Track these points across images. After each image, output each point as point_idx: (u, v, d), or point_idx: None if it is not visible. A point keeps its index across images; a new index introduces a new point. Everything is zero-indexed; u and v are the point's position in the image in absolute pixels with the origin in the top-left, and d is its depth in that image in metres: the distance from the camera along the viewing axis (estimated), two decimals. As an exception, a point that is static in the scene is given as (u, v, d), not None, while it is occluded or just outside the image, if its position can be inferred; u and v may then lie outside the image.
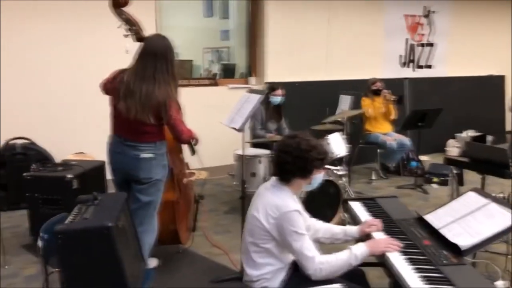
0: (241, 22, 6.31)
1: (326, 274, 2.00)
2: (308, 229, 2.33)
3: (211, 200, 4.98)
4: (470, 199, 2.28)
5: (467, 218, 2.15)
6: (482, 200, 2.21)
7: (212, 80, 5.91)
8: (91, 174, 3.86)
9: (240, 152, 4.47)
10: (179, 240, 3.37)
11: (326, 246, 2.46)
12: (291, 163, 2.09)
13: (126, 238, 2.10)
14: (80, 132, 4.96)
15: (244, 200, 3.31)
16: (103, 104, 3.02)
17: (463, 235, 2.03)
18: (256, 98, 2.92)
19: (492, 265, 3.21)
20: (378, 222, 2.28)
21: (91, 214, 1.96)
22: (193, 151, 3.29)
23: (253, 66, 6.16)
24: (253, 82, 6.03)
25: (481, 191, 2.36)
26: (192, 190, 3.70)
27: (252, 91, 3.25)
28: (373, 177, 5.76)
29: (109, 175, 3.11)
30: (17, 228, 4.15)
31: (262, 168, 4.36)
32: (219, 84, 5.89)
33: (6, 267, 3.39)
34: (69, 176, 3.57)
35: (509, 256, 3.35)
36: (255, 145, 4.79)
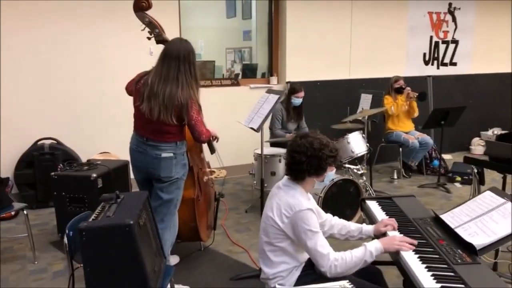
0: (263, 22, 6.35)
1: (341, 270, 2.03)
2: (323, 224, 2.38)
3: (232, 198, 5.05)
4: (487, 198, 2.27)
5: (483, 217, 2.14)
6: (499, 200, 2.20)
7: (234, 80, 5.97)
8: (115, 174, 3.97)
9: (259, 151, 4.54)
10: (200, 237, 3.45)
11: (340, 243, 2.49)
12: (305, 163, 2.13)
13: (147, 236, 2.17)
14: (105, 132, 5.10)
15: (263, 199, 3.36)
16: (128, 105, 3.12)
17: (479, 234, 2.03)
18: (274, 99, 2.97)
19: (514, 265, 3.17)
20: (393, 221, 2.30)
21: (114, 212, 2.04)
22: (212, 150, 3.37)
23: (275, 66, 6.19)
24: (274, 81, 6.06)
25: (498, 190, 2.34)
26: (212, 188, 3.77)
27: (270, 91, 3.29)
28: (395, 176, 5.73)
29: (132, 174, 3.21)
30: (46, 225, 4.31)
31: (281, 167, 4.39)
32: (241, 84, 5.95)
33: (36, 263, 3.54)
34: (94, 175, 3.69)
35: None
36: (274, 144, 4.84)
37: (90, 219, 2.01)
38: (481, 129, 7.21)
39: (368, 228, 2.36)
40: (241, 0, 6.62)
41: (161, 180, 2.95)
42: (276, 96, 2.97)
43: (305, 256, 2.21)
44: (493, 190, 2.34)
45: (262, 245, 2.23)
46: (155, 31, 2.94)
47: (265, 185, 4.10)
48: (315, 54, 6.13)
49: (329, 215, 2.45)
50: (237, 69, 6.70)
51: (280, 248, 2.16)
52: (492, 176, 4.89)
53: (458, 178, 5.49)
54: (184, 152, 3.01)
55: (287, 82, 5.93)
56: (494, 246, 1.97)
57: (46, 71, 4.81)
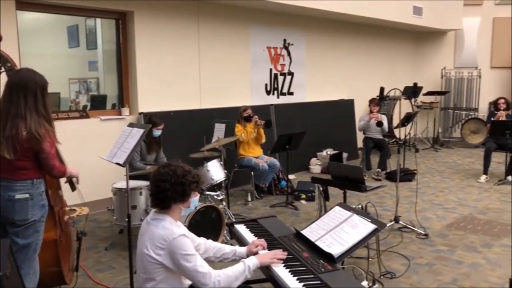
0: (110, 52, 6.24)
1: (225, 284, 2.15)
2: (198, 248, 2.48)
3: (88, 237, 4.77)
4: (337, 213, 2.65)
5: (336, 229, 2.49)
6: (347, 213, 2.59)
7: (82, 113, 5.71)
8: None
9: (118, 185, 4.43)
10: (64, 280, 3.22)
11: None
12: (170, 190, 2.21)
13: (12, 286, 2.00)
14: None
15: (130, 234, 3.32)
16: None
17: (335, 244, 2.37)
18: (140, 133, 2.99)
19: (357, 268, 3.69)
20: (262, 241, 2.52)
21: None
22: (73, 187, 3.22)
23: (126, 97, 6.11)
24: (126, 113, 5.97)
25: (345, 205, 2.75)
26: (71, 228, 3.56)
27: (133, 125, 3.29)
28: (249, 199, 6.09)
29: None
30: None
31: (143, 200, 4.36)
32: (90, 116, 5.71)
33: None
34: None
35: (370, 259, 3.87)
36: (133, 177, 4.76)
37: None
38: (317, 150, 8.11)
39: (241, 249, 2.53)
40: (85, 29, 6.42)
41: (15, 224, 2.71)
42: (141, 131, 3.00)
43: (187, 282, 2.28)
44: (341, 205, 2.74)
45: (143, 284, 2.24)
46: (7, 65, 2.73)
47: (125, 219, 4.00)
48: (167, 85, 6.24)
49: (202, 239, 2.56)
50: (83, 100, 6.42)
51: (161, 280, 2.19)
52: (333, 192, 5.56)
53: (303, 196, 6.08)
54: (42, 191, 2.82)
55: (140, 113, 5.91)
56: (348, 253, 2.32)
57: None
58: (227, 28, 6.95)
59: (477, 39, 10.83)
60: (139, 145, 4.91)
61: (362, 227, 2.39)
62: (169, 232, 2.16)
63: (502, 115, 7.22)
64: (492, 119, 7.30)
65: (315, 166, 7.91)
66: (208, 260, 2.53)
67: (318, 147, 8.14)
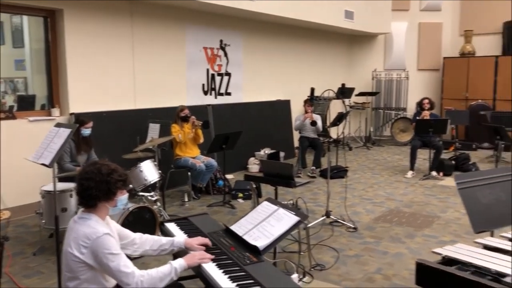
0: (38, 51, 6.00)
1: (148, 285, 2.14)
2: (133, 243, 2.47)
3: (14, 243, 4.58)
4: (264, 207, 2.74)
5: (263, 223, 2.58)
6: (273, 207, 2.69)
7: (8, 113, 5.45)
8: None
9: (47, 188, 4.29)
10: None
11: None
12: (95, 188, 2.20)
13: None
14: None
15: (58, 237, 3.23)
16: None
17: (261, 237, 2.45)
18: (66, 133, 2.92)
19: (289, 262, 3.82)
20: (207, 241, 2.49)
21: None
22: None
23: (56, 97, 5.90)
24: (56, 113, 5.77)
25: (273, 200, 2.85)
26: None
27: (60, 125, 3.21)
28: (186, 199, 6.08)
29: None
30: None
31: (73, 202, 4.25)
32: (18, 117, 5.47)
33: None
34: None
35: (302, 253, 4.03)
36: (63, 179, 4.63)
37: None
38: (255, 150, 8.24)
39: (179, 239, 2.53)
40: (10, 27, 6.13)
41: None
42: (68, 130, 2.93)
43: (112, 282, 2.27)
44: (269, 200, 2.83)
45: (66, 283, 2.20)
46: None
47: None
48: (100, 85, 6.10)
49: (138, 234, 2.55)
50: (10, 100, 6.12)
51: (85, 279, 2.17)
52: (267, 189, 5.69)
53: (241, 195, 6.17)
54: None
55: (71, 114, 5.74)
56: (273, 245, 2.41)
57: None
58: (162, 28, 6.90)
59: (405, 42, 11.47)
60: (69, 146, 4.79)
61: (286, 220, 2.50)
62: (93, 230, 2.15)
63: (426, 115, 7.69)
64: (417, 118, 7.76)
65: (253, 165, 8.02)
66: (146, 254, 2.53)
67: (256, 147, 8.27)
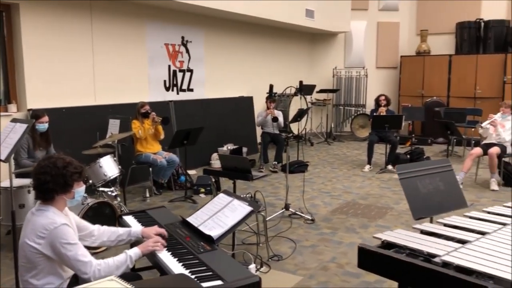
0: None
1: (105, 273, 2.21)
2: (92, 235, 2.54)
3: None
4: (221, 199, 2.85)
5: (218, 214, 2.69)
6: (229, 199, 2.80)
7: (-38, 109, 5.34)
8: None
9: (4, 184, 4.25)
10: None
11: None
12: (51, 182, 2.25)
13: None
14: None
15: (15, 234, 3.23)
16: None
17: (216, 228, 2.56)
18: (23, 128, 2.94)
19: (247, 253, 3.95)
20: (163, 231, 2.59)
21: None
22: None
23: (12, 93, 5.80)
24: (13, 109, 5.68)
25: (229, 192, 2.96)
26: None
27: (16, 120, 3.21)
28: (147, 195, 6.10)
29: None
30: None
31: (31, 198, 4.22)
32: (-28, 113, 5.37)
33: None
34: None
35: (260, 245, 4.17)
36: (20, 175, 4.59)
37: None
38: (218, 146, 8.32)
39: (136, 229, 2.61)
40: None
41: None
42: (24, 125, 2.95)
43: (69, 272, 2.32)
44: (225, 192, 2.95)
45: (23, 274, 2.25)
46: None
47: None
48: (58, 81, 6.04)
49: (97, 225, 2.61)
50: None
51: (41, 269, 2.22)
52: (228, 184, 5.80)
53: (202, 190, 6.25)
54: None
55: (29, 110, 5.66)
56: (226, 234, 2.53)
57: None
58: (122, 24, 6.88)
59: (364, 41, 11.81)
60: (26, 142, 4.74)
61: (240, 210, 2.62)
62: (51, 221, 2.20)
63: (382, 111, 7.99)
64: (374, 114, 8.05)
65: (216, 161, 8.10)
66: (104, 245, 2.59)
67: (218, 143, 8.35)
